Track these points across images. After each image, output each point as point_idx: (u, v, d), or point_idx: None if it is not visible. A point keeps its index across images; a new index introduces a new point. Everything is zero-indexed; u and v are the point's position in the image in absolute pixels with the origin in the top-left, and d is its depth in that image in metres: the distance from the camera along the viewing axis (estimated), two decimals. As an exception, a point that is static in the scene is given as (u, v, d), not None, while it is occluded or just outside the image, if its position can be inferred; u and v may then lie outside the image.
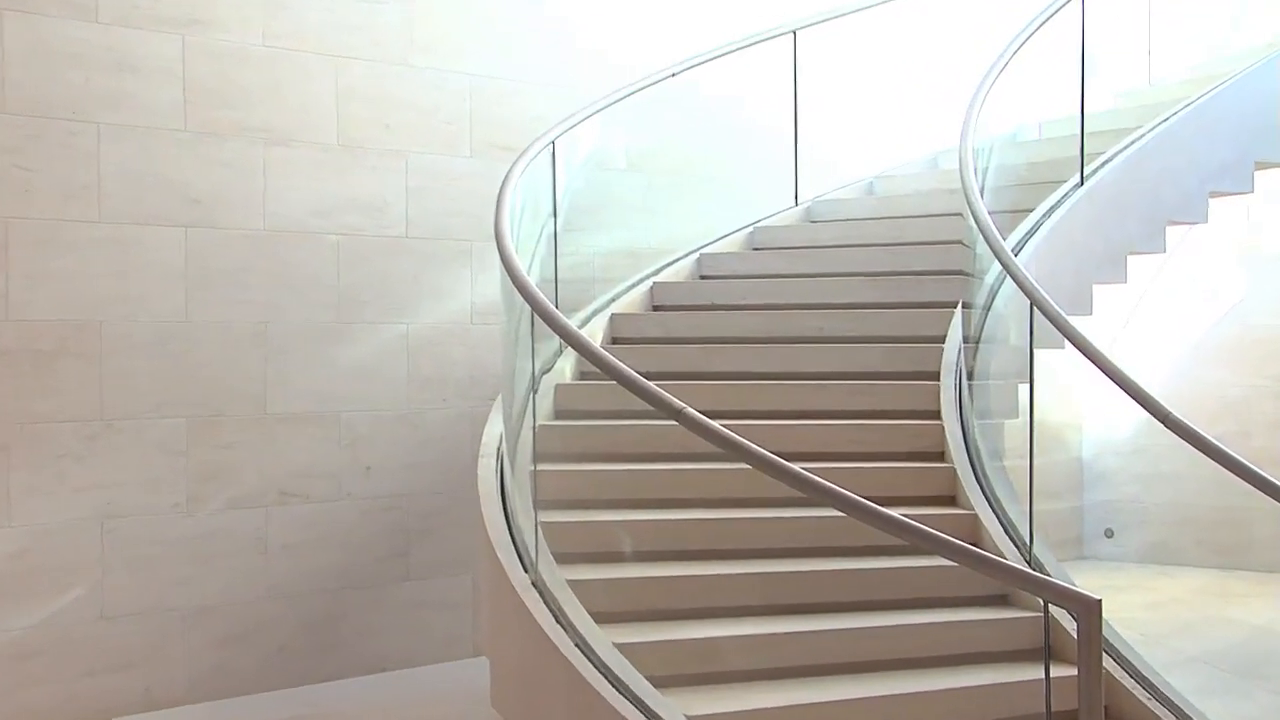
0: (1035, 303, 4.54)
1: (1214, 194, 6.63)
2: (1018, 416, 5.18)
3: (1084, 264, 6.03)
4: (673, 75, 6.29)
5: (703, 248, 6.66)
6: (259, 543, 5.87)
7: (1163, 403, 4.23)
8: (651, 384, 3.67)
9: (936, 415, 5.14)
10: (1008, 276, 4.85)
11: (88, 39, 5.45)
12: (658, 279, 6.37)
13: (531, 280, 4.31)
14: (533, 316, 4.34)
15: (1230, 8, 8.39)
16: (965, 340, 5.36)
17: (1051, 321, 4.48)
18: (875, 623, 4.24)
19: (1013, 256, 4.89)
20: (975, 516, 4.64)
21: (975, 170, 5.23)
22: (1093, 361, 4.38)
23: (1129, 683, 4.13)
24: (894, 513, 3.24)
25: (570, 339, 4.17)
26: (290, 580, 5.96)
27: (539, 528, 4.20)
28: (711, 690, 3.92)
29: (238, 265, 5.82)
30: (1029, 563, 4.46)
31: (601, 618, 3.95)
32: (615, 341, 5.92)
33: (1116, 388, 4.34)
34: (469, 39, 6.49)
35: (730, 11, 7.40)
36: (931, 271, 6.02)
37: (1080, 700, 2.91)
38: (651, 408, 3.62)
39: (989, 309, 5.27)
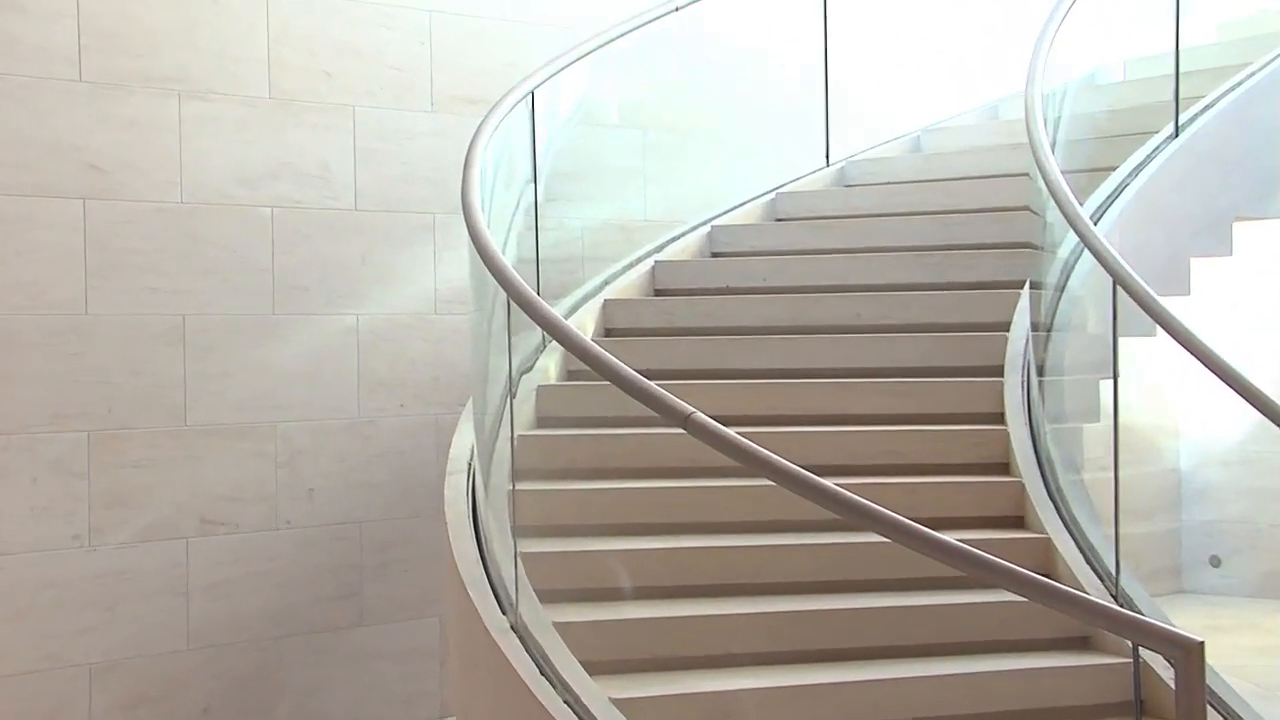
0: (1119, 281, 4.54)
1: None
2: (1099, 420, 5.19)
3: (1179, 233, 6.03)
4: (676, 9, 6.28)
5: (714, 219, 6.66)
6: (177, 582, 5.87)
7: None
8: (653, 384, 3.67)
9: (999, 419, 5.16)
10: (1084, 249, 4.85)
11: (-38, -29, 5.48)
12: (660, 257, 6.38)
13: (507, 260, 4.31)
14: (509, 304, 4.34)
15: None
16: (1034, 328, 5.36)
17: (1139, 303, 4.48)
18: (924, 671, 4.23)
19: (1091, 225, 4.88)
20: (1048, 541, 4.65)
21: (1044, 121, 5.22)
22: (1191, 352, 4.37)
23: (1237, 743, 4.15)
24: (947, 537, 3.24)
25: (554, 331, 4.18)
26: (216, 628, 5.96)
27: (519, 559, 4.19)
28: (729, 756, 3.91)
29: (149, 246, 5.82)
30: (1115, 597, 4.46)
31: (595, 668, 3.95)
32: (609, 333, 5.94)
33: (1222, 384, 4.33)
34: (427, -33, 6.54)
35: (745, -69, 7.44)
36: (992, 245, 6.03)
37: (1178, 764, 2.92)
38: (653, 413, 3.63)
39: (1063, 290, 5.28)
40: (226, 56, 6.01)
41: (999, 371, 5.34)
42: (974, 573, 3.23)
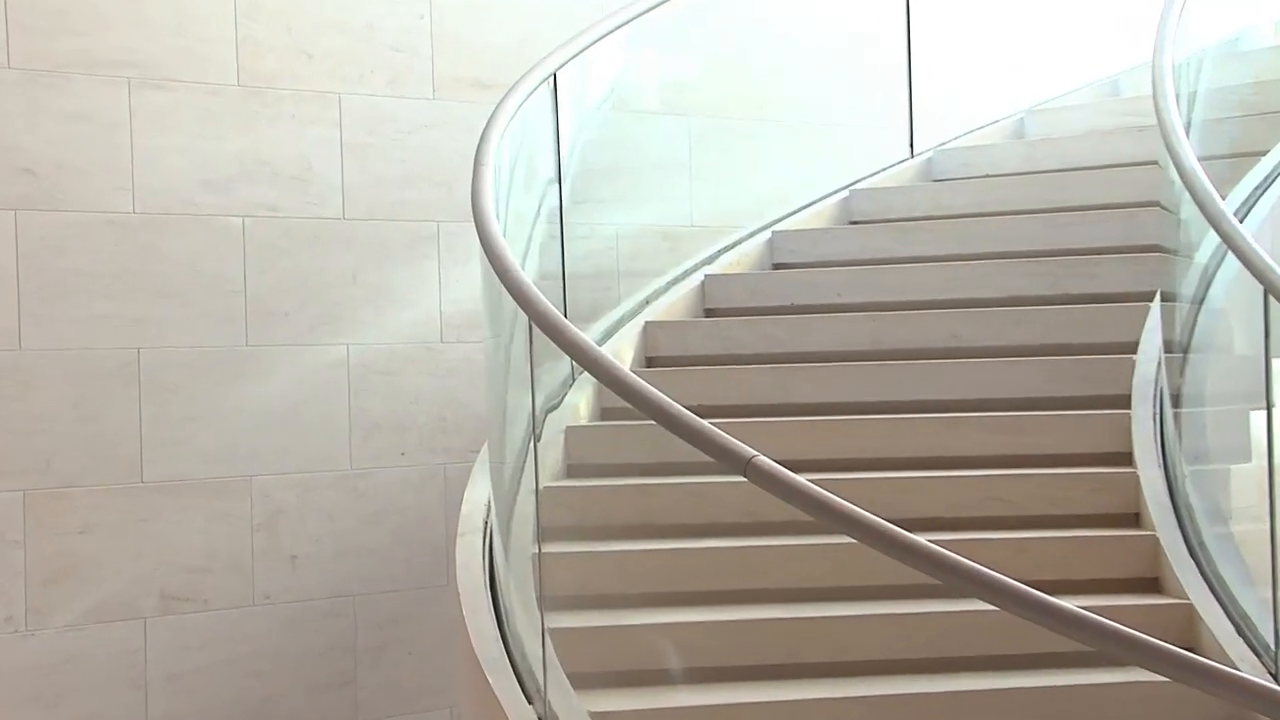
0: (1272, 290, 4.50)
1: None
2: (1250, 459, 5.14)
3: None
4: (726, -30, 6.32)
5: (776, 223, 6.67)
6: (133, 672, 5.87)
7: None
8: (706, 423, 3.63)
9: (1127, 460, 5.13)
10: (1228, 252, 4.82)
11: None
12: (711, 270, 6.39)
13: (528, 276, 4.30)
14: (530, 328, 4.30)
15: None
16: (1167, 349, 5.34)
17: (1297, 317, 4.46)
18: (1043, 770, 4.22)
19: (1236, 223, 4.84)
20: (1189, 607, 4.61)
21: (1176, 98, 5.21)
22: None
23: None
24: (1067, 604, 3.19)
25: (586, 360, 4.14)
26: (181, 725, 5.98)
27: (547, 636, 4.18)
28: None
29: (95, 265, 5.84)
30: (1275, 676, 4.42)
31: (641, 769, 3.95)
32: (651, 362, 5.95)
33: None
34: (425, -76, 6.57)
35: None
36: (1114, 249, 6.01)
37: None
38: (707, 457, 3.59)
39: (1202, 302, 5.25)
40: (187, 35, 6.05)
41: (1125, 402, 5.32)
42: (1101, 646, 3.18)
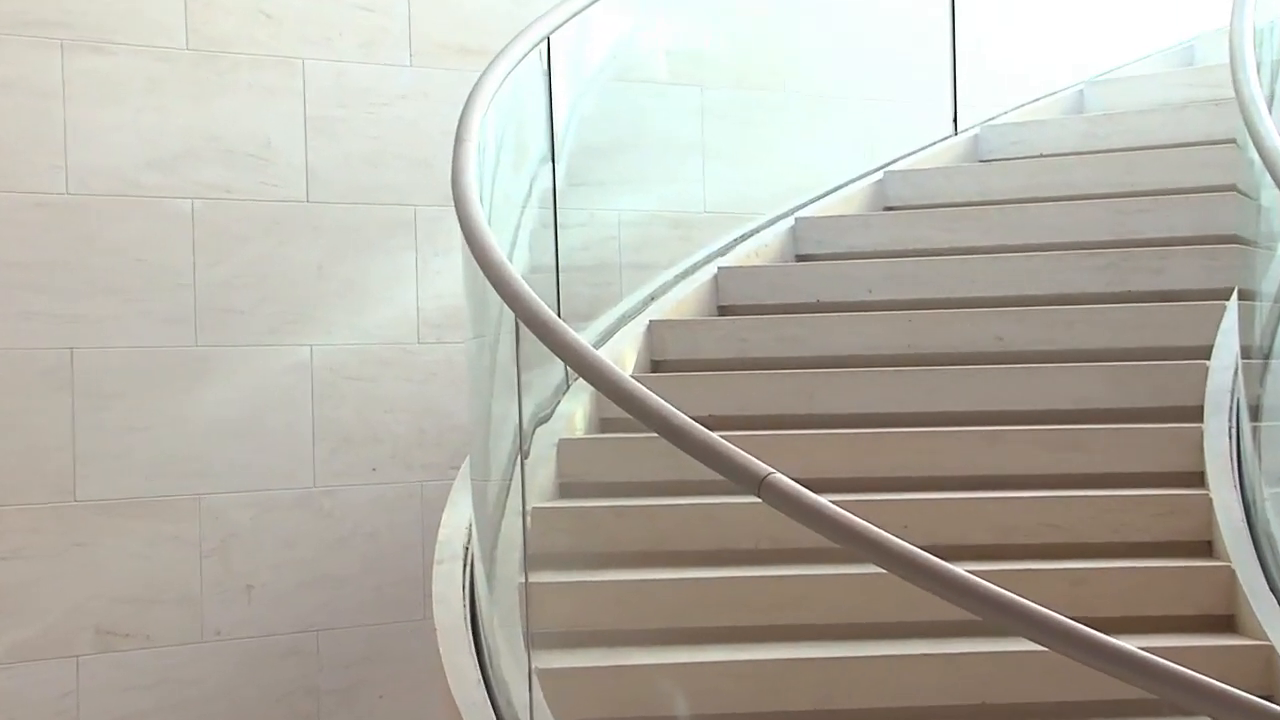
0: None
1: None
2: (1338, 479, 5.14)
3: None
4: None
5: (799, 209, 6.71)
6: (65, 717, 5.86)
7: None
8: (717, 436, 3.62)
9: (1198, 480, 5.13)
10: (1316, 243, 4.83)
11: None
12: (725, 262, 6.42)
13: (516, 269, 4.30)
14: (517, 328, 4.33)
15: None
16: (1244, 354, 5.32)
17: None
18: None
19: (1324, 210, 4.86)
20: (1269, 650, 4.58)
21: (1256, 66, 5.20)
22: None
23: None
24: (1129, 645, 3.16)
25: (582, 365, 4.11)
26: (120, 777, 5.98)
27: (534, 679, 4.18)
28: None
29: (23, 254, 5.85)
30: (1365, 729, 4.40)
31: (642, 832, 3.97)
32: (657, 366, 5.97)
33: None
34: None
35: None
36: (1185, 240, 6.04)
37: None
38: (718, 475, 3.59)
39: (1286, 300, 5.28)
40: (130, -7, 6.05)
41: (1196, 414, 5.32)
42: (1168, 694, 3.14)
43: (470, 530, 4.84)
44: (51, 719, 5.85)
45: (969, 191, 6.74)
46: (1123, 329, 5.72)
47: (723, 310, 6.29)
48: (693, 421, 3.68)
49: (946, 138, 7.12)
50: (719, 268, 6.37)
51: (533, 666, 4.21)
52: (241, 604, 6.19)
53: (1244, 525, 4.94)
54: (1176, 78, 7.41)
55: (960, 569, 3.30)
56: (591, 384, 4.44)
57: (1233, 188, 5.75)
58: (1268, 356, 5.20)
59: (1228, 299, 5.60)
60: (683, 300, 6.23)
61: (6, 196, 5.82)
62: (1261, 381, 5.19)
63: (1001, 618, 3.25)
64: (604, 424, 5.54)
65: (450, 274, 6.29)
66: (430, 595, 4.70)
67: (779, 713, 4.49)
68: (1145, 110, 7.09)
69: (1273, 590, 4.76)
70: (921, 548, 3.35)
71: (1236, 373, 5.36)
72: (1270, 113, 5.06)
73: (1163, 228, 6.11)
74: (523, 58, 5.15)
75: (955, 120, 7.15)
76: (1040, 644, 3.24)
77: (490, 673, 4.39)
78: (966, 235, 6.36)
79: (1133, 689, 3.19)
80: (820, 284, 6.24)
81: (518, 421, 4.68)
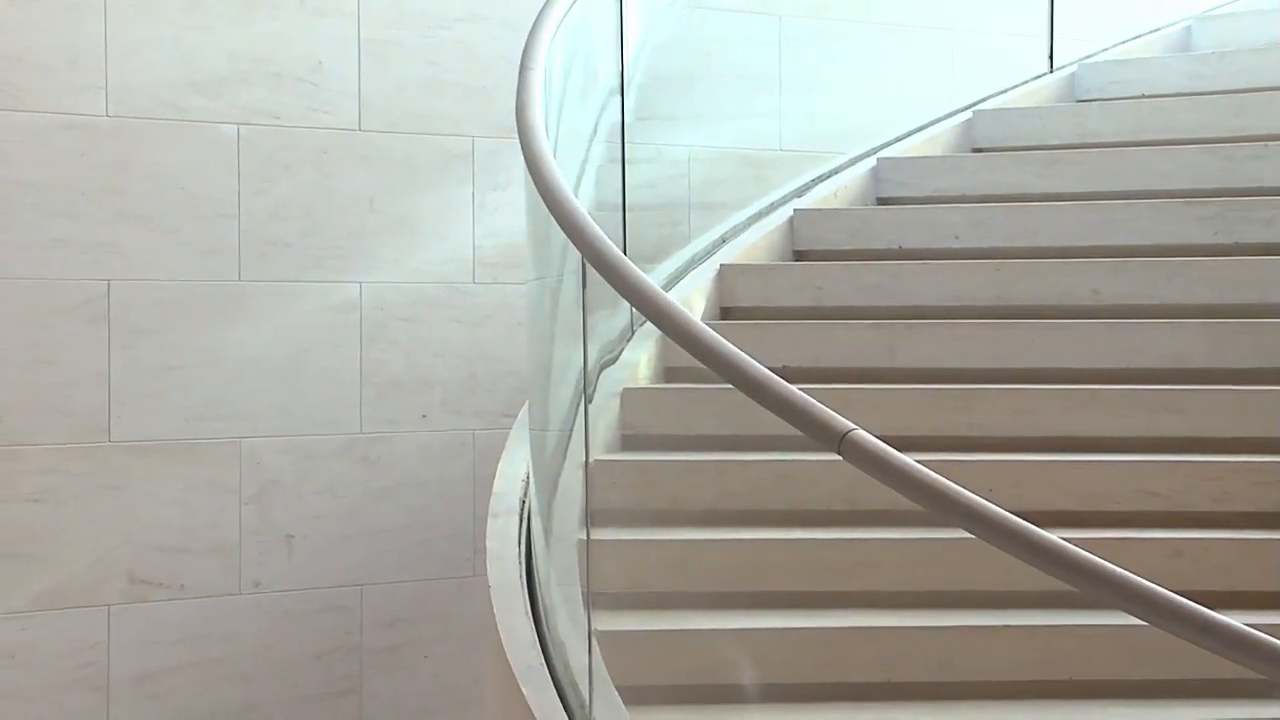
0: None
1: None
2: None
3: None
4: None
5: (882, 149, 6.69)
6: (93, 671, 5.89)
7: None
8: (794, 389, 3.58)
9: (1315, 445, 5.12)
10: None
11: None
12: (801, 204, 6.39)
13: (582, 207, 4.27)
14: (583, 268, 4.32)
15: None
16: (1359, 313, 5.36)
17: None
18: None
19: None
20: (1404, 633, 4.51)
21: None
22: None
23: None
24: (1235, 621, 3.08)
25: (650, 308, 4.08)
26: (151, 736, 6.01)
27: (594, 641, 4.18)
28: None
29: (56, 179, 5.84)
30: None
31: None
32: (727, 313, 5.95)
33: None
34: None
35: None
36: (1301, 188, 6.03)
37: None
38: (794, 430, 3.55)
39: None
40: (172, -98, 6.07)
41: (1314, 375, 5.31)
42: (1275, 674, 3.08)
43: (527, 483, 4.86)
44: (77, 674, 5.88)
45: (1064, 134, 6.71)
46: (1227, 284, 5.67)
47: (798, 255, 6.26)
48: (768, 372, 3.65)
49: (1041, 75, 7.11)
50: (795, 210, 6.34)
51: (593, 629, 4.21)
52: (280, 555, 6.20)
53: (1363, 492, 4.97)
54: (1295, 11, 7.40)
55: (1055, 535, 3.25)
56: (663, 330, 4.42)
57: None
58: (1383, 315, 5.25)
59: (1343, 253, 5.61)
60: (755, 244, 6.20)
61: (36, 117, 5.82)
62: (1375, 342, 5.21)
63: (1099, 589, 3.19)
64: (669, 373, 5.54)
65: (508, 210, 6.35)
66: (481, 551, 4.71)
67: (847, 684, 4.50)
68: (1259, 49, 7.04)
69: (1384, 566, 4.80)
70: (1013, 513, 3.31)
71: (1349, 333, 5.37)
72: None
73: (1275, 176, 6.04)
74: (591, -21, 5.20)
75: (1051, 57, 7.13)
76: (1138, 618, 3.18)
77: (546, 635, 4.41)
78: (1061, 180, 6.32)
79: (1233, 667, 3.13)
80: (903, 229, 6.22)
81: (583, 366, 4.71)
